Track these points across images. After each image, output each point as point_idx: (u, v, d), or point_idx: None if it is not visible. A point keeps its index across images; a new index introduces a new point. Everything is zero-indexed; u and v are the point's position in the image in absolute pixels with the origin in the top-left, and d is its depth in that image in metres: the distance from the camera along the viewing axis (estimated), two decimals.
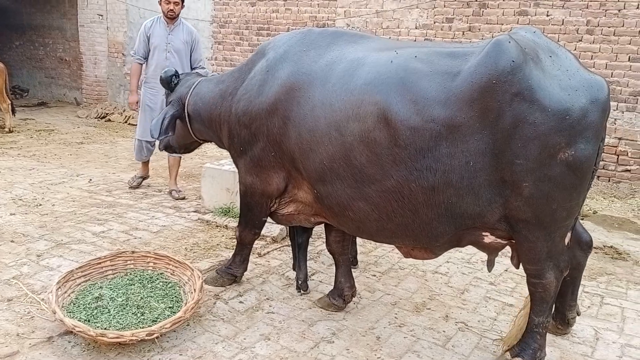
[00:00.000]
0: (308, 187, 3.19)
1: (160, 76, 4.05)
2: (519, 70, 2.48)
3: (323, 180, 3.00)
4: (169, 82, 4.03)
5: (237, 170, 5.09)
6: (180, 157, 6.14)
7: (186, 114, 3.86)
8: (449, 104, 2.58)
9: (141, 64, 6.02)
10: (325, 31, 3.35)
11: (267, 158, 3.29)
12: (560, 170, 2.53)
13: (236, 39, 10.91)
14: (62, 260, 4.12)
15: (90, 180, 6.59)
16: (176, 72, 4.10)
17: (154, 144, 5.98)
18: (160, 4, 5.83)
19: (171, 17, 5.81)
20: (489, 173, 2.58)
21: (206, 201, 5.43)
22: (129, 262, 3.66)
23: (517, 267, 3.18)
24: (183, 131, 4.01)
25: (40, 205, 5.51)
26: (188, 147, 4.33)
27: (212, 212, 5.28)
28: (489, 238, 2.86)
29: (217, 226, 5.03)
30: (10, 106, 9.76)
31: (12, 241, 4.45)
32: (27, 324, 3.22)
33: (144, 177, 6.41)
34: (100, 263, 3.55)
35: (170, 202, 5.85)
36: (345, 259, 3.67)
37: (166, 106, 4.04)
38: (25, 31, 14.60)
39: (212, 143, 4.10)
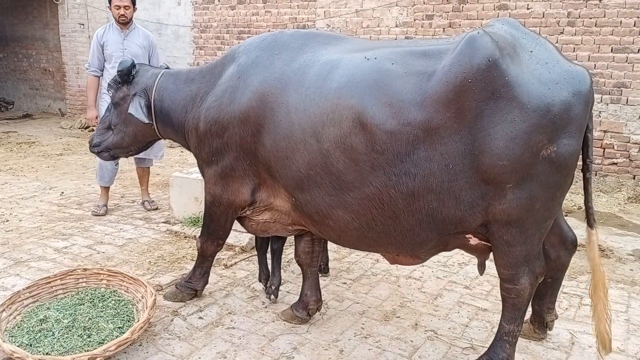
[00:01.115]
0: (285, 195, 3.05)
1: (118, 69, 3.63)
2: (495, 67, 2.35)
3: (301, 188, 2.86)
4: (129, 74, 3.65)
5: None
6: (149, 167, 5.96)
7: (152, 109, 3.59)
8: (424, 105, 2.45)
9: (97, 77, 5.61)
10: (297, 32, 3.20)
11: (240, 167, 3.14)
12: (543, 168, 2.40)
13: (217, 44, 10.76)
14: (18, 279, 3.95)
15: (62, 193, 6.43)
16: (134, 61, 3.75)
17: (118, 163, 5.59)
18: (110, 9, 5.53)
19: (123, 22, 5.49)
20: (469, 175, 2.46)
21: (175, 211, 5.27)
22: (80, 280, 3.50)
23: (481, 274, 3.05)
24: (143, 127, 3.68)
25: (7, 221, 5.35)
26: (140, 146, 3.94)
27: (181, 222, 5.12)
28: (474, 240, 2.75)
29: (185, 237, 4.87)
30: None
31: None
32: None
33: (107, 205, 5.80)
34: (49, 282, 3.39)
35: (141, 213, 5.69)
36: (313, 271, 3.51)
37: (114, 103, 3.74)
38: (8, 43, 14.46)
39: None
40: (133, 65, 3.69)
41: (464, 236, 2.75)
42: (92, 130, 6.15)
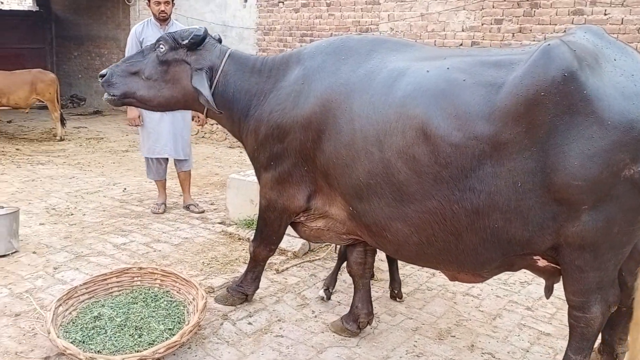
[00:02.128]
0: (342, 203, 2.96)
1: (196, 33, 3.32)
2: (572, 80, 2.18)
3: (359, 197, 2.78)
4: (202, 42, 3.34)
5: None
6: (190, 170, 5.91)
7: (213, 90, 3.32)
8: (493, 118, 2.32)
9: None
10: (365, 38, 3.12)
11: (297, 173, 3.08)
12: (624, 189, 2.21)
13: (280, 46, 10.82)
14: (77, 273, 4.06)
15: (125, 189, 6.61)
16: (207, 31, 3.44)
17: (167, 160, 5.72)
18: (149, 6, 5.45)
19: (163, 19, 5.41)
20: (540, 195, 2.30)
21: (231, 212, 5.29)
22: (135, 278, 3.55)
23: (548, 297, 2.85)
24: (187, 99, 3.41)
25: (72, 215, 5.54)
26: (164, 109, 3.80)
27: (236, 224, 5.13)
28: (542, 262, 2.58)
29: (239, 239, 4.87)
30: (60, 116, 10.06)
31: (34, 252, 4.45)
32: (28, 342, 3.14)
33: (165, 203, 5.87)
34: (105, 279, 3.46)
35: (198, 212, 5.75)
36: (365, 283, 3.42)
37: (163, 60, 3.37)
38: (83, 42, 15.15)
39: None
40: (206, 36, 3.42)
41: (531, 258, 2.58)
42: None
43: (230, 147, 10.31)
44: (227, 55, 3.39)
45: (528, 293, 4.03)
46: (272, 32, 10.92)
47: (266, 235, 3.45)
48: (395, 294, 3.83)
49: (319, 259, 4.51)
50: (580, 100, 2.18)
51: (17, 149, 8.95)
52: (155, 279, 3.55)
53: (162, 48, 3.37)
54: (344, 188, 2.85)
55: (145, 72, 3.43)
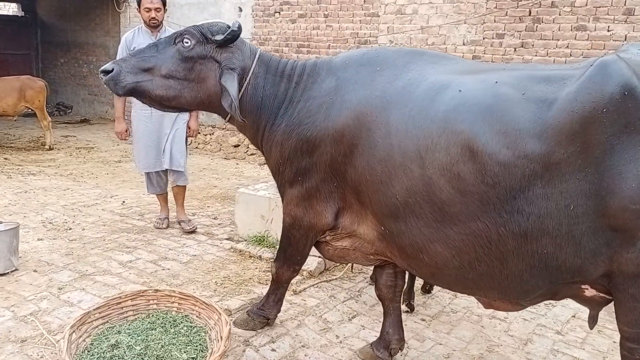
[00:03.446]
0: (373, 222, 2.79)
1: (234, 28, 2.96)
2: (631, 97, 2.06)
3: (395, 216, 2.60)
4: (233, 40, 3.00)
5: (271, 196, 4.83)
6: (185, 185, 5.57)
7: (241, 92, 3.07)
8: (544, 137, 2.18)
9: None
10: (401, 50, 2.98)
11: (325, 189, 2.89)
12: None
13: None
14: (83, 294, 3.83)
15: (124, 202, 6.37)
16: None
17: (166, 172, 5.42)
18: (139, 12, 5.11)
19: (154, 25, 5.08)
20: (593, 219, 2.17)
21: (239, 228, 5.10)
22: (151, 301, 3.33)
23: (592, 328, 2.71)
24: (212, 100, 3.11)
25: (70, 229, 5.30)
26: (182, 109, 3.44)
27: (245, 240, 4.94)
28: (590, 291, 2.43)
29: (250, 256, 4.68)
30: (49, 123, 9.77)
31: (35, 270, 4.21)
32: None
33: (168, 217, 5.61)
34: (120, 303, 3.23)
35: (203, 227, 5.54)
36: (396, 307, 3.25)
37: (188, 56, 3.00)
38: (70, 49, 14.83)
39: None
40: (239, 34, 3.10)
41: (579, 286, 2.42)
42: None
43: (225, 158, 10.11)
44: (257, 55, 3.13)
45: (555, 316, 3.91)
46: (267, 42, 10.77)
47: (290, 255, 3.27)
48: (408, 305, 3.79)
49: (335, 278, 4.34)
50: (639, 119, 2.07)
51: (6, 159, 8.64)
52: (173, 302, 3.34)
53: (187, 42, 2.99)
54: (377, 206, 2.69)
55: (163, 69, 3.03)
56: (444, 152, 2.39)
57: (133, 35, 5.21)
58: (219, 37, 2.97)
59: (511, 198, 2.26)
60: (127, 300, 3.27)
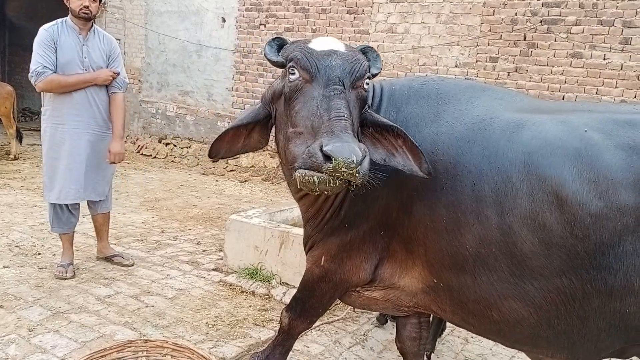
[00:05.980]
0: (423, 274, 2.44)
1: (379, 65, 2.41)
2: None
3: (460, 269, 2.29)
4: None
5: (266, 225, 4.45)
6: (109, 212, 4.74)
7: None
8: (638, 187, 1.96)
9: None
10: (460, 82, 2.69)
11: (371, 240, 2.50)
12: None
13: (260, 70, 10.33)
14: (57, 337, 3.36)
15: None
16: None
17: (78, 206, 4.51)
18: (67, 1, 4.21)
19: (85, 18, 4.18)
20: None
21: (229, 259, 4.69)
22: (140, 353, 2.91)
23: None
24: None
25: (39, 254, 4.81)
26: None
27: (236, 272, 4.54)
28: None
29: (242, 291, 4.27)
30: (16, 132, 9.17)
31: (1, 306, 3.71)
32: None
33: (73, 262, 4.49)
34: (105, 356, 2.80)
35: (187, 255, 5.11)
36: None
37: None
38: None
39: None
40: None
41: None
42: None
43: (204, 173, 9.67)
44: None
45: None
46: (251, 55, 10.42)
47: (310, 308, 2.85)
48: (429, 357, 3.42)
49: (338, 319, 3.98)
50: None
51: None
52: (165, 354, 2.92)
53: (367, 84, 2.35)
54: (435, 256, 2.34)
55: (355, 125, 2.23)
56: (527, 199, 2.11)
57: (57, 30, 4.21)
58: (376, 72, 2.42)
59: (600, 253, 2.03)
60: (112, 352, 2.83)
